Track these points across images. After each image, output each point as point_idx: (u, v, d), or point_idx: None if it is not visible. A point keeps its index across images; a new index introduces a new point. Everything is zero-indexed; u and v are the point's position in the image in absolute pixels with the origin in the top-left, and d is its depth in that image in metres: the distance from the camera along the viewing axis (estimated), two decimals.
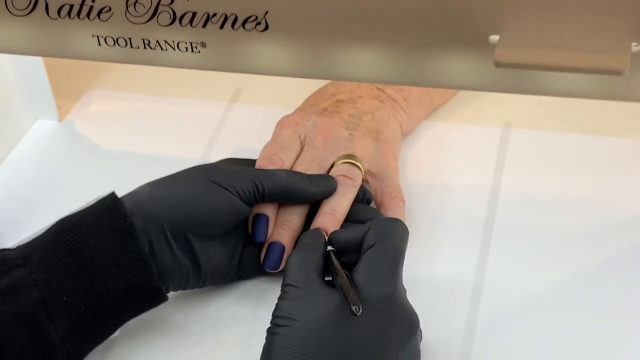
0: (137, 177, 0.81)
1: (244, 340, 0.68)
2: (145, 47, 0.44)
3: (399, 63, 0.39)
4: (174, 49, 0.44)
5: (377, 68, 0.40)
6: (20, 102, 0.87)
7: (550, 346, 0.66)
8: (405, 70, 0.40)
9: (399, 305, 0.60)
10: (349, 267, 0.62)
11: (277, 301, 0.61)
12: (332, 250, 0.65)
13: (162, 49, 0.44)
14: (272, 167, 0.73)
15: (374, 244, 0.62)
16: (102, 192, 0.79)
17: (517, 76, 0.39)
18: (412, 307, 0.61)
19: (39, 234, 0.75)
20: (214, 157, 0.83)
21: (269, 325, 0.61)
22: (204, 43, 0.44)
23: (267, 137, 0.78)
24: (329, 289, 0.61)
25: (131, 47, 0.45)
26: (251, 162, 0.74)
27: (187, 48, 0.44)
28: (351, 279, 0.60)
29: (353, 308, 0.57)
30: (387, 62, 0.39)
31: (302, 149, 0.76)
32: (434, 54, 0.39)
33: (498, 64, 0.37)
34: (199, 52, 0.44)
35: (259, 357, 0.60)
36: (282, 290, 0.61)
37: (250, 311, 0.70)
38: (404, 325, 0.59)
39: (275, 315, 0.60)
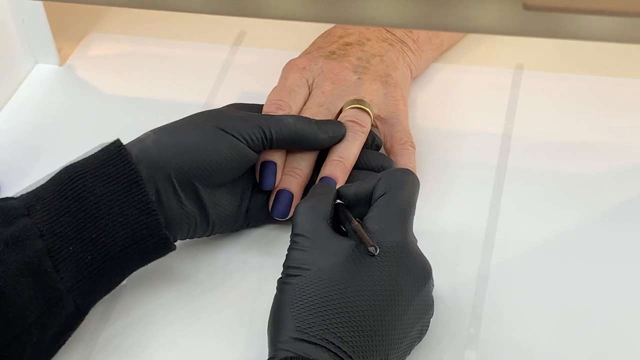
0: (140, 122, 0.80)
1: (253, 288, 0.67)
2: None
3: (418, 5, 0.37)
4: None
5: (395, 11, 0.38)
6: (19, 46, 0.85)
7: (564, 292, 0.65)
8: (425, 14, 0.37)
9: (411, 253, 0.59)
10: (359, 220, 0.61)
11: (287, 252, 0.60)
12: (341, 203, 0.63)
13: None
14: (280, 112, 0.71)
15: (384, 194, 0.60)
16: (105, 138, 0.78)
17: (546, 19, 0.37)
18: (424, 256, 0.60)
19: (42, 182, 0.74)
20: (219, 101, 0.82)
21: (278, 275, 0.60)
22: None
23: (273, 80, 0.76)
24: (339, 237, 0.60)
25: None
26: (258, 108, 0.72)
27: None
28: (363, 225, 0.59)
29: (370, 249, 0.56)
30: (406, 5, 0.37)
31: (310, 93, 0.74)
32: None
33: (527, 7, 0.35)
34: None
35: (268, 306, 0.59)
36: (292, 241, 0.60)
37: (258, 259, 0.69)
38: (416, 273, 0.58)
39: (286, 266, 0.59)
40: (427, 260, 0.60)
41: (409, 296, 0.58)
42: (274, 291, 0.60)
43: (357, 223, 0.59)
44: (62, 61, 0.88)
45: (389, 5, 0.37)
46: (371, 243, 0.56)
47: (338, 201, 0.64)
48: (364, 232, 0.58)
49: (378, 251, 0.56)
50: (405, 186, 0.61)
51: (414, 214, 0.61)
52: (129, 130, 0.78)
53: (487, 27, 0.38)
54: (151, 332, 0.65)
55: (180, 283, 0.68)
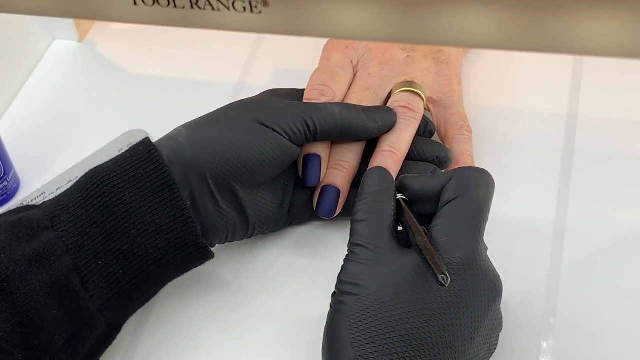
0: (167, 102, 0.75)
1: (299, 294, 0.62)
2: (192, 7, 0.36)
3: (513, 24, 0.31)
4: (229, 9, 0.36)
5: (486, 30, 0.31)
6: (35, 21, 0.80)
7: None
8: (521, 33, 0.31)
9: (482, 269, 0.52)
10: (422, 217, 0.55)
11: (343, 263, 0.54)
12: (403, 199, 0.56)
13: (213, 8, 0.36)
14: (323, 99, 0.64)
15: (455, 198, 0.54)
16: (130, 122, 0.73)
17: None
18: (494, 269, 0.54)
19: (65, 177, 0.69)
20: (252, 79, 0.76)
21: (326, 279, 0.55)
22: (265, 2, 0.35)
23: (310, 54, 0.70)
24: (402, 250, 0.53)
25: (175, 6, 0.36)
26: (298, 94, 0.66)
27: (245, 8, 0.36)
28: (430, 237, 0.52)
29: (440, 278, 0.49)
30: (499, 23, 0.31)
31: (354, 75, 0.68)
32: (560, 12, 0.30)
33: None
34: (260, 12, 0.36)
35: (317, 315, 0.54)
36: (350, 251, 0.54)
37: (303, 262, 0.64)
38: (486, 291, 0.52)
39: (341, 280, 0.53)
40: (497, 275, 0.53)
41: (478, 317, 0.51)
42: (322, 297, 0.54)
43: (424, 237, 0.52)
44: (81, 37, 0.82)
45: (473, 24, 0.30)
46: (442, 271, 0.49)
47: (400, 196, 0.57)
48: (434, 253, 0.51)
49: (449, 281, 0.50)
50: (478, 189, 0.54)
51: (486, 221, 0.54)
52: (156, 112, 0.72)
53: (595, 49, 0.31)
54: (189, 348, 0.60)
55: (219, 290, 0.63)
